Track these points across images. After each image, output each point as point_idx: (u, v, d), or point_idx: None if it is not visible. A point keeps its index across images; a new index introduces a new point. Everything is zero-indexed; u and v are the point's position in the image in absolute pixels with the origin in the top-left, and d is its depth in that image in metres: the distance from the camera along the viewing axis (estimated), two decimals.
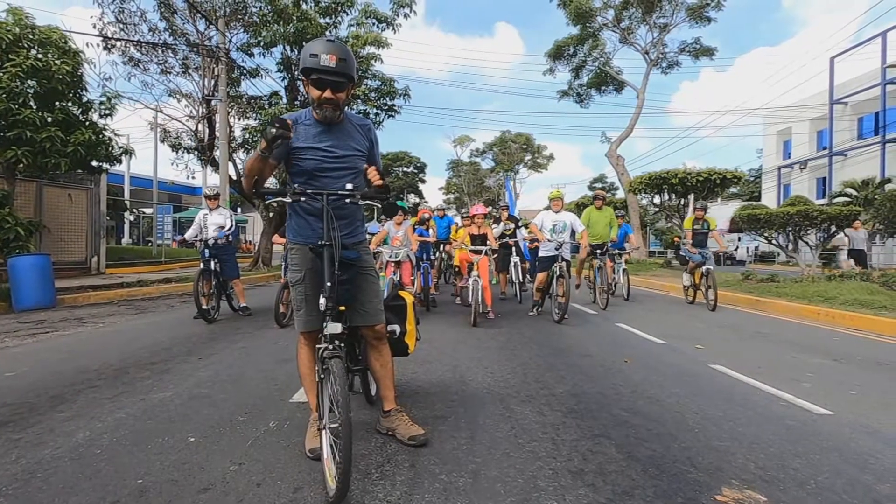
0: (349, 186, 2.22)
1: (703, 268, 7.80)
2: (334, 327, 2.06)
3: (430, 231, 8.48)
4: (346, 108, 2.40)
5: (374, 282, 2.46)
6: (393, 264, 6.63)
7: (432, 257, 8.18)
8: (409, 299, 2.87)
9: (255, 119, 14.76)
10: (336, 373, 1.91)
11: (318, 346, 2.12)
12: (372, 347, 2.51)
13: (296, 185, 2.23)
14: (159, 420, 2.75)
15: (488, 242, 6.60)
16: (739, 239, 27.00)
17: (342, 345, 2.12)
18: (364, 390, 3.00)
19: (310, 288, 2.28)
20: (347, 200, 2.22)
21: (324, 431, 2.03)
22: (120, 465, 2.18)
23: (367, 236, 2.85)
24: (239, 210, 25.94)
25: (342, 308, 2.24)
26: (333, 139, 2.29)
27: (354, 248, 2.36)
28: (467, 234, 6.73)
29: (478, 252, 6.46)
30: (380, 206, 2.41)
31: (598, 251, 7.80)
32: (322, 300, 2.06)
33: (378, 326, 2.46)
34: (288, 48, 13.65)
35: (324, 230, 2.12)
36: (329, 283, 2.07)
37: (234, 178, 14.34)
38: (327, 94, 2.16)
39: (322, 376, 2.05)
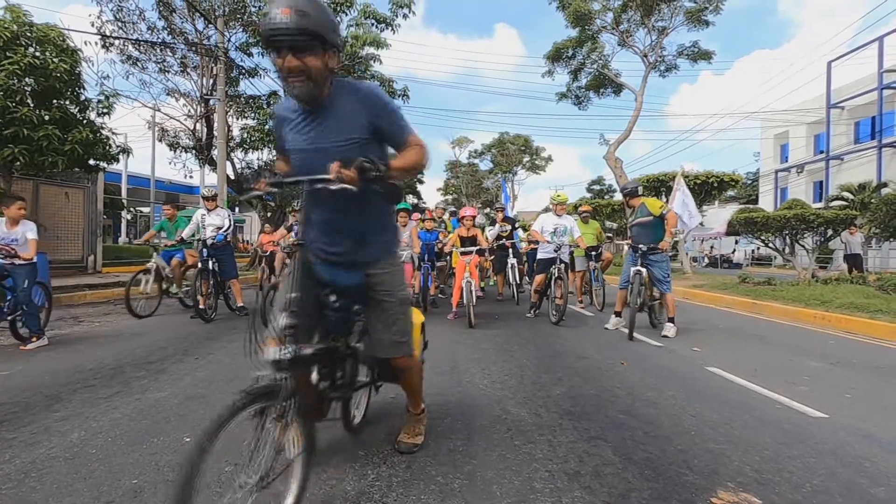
0: (334, 182, 1.63)
1: (633, 269, 5.49)
2: (273, 352, 1.61)
3: (449, 237, 8.36)
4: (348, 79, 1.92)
5: (389, 308, 1.98)
6: None
7: (443, 262, 8.14)
8: (419, 320, 2.45)
9: (254, 119, 14.75)
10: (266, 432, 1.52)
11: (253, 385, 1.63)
12: (396, 371, 2.21)
13: (279, 175, 1.91)
14: (155, 420, 2.74)
15: (478, 243, 6.69)
16: (737, 242, 27.09)
17: (287, 379, 1.62)
18: (343, 417, 2.29)
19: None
20: (332, 188, 1.64)
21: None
22: (115, 466, 2.17)
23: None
24: (237, 209, 25.88)
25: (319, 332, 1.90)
26: (315, 129, 1.82)
27: (361, 267, 1.94)
28: (457, 237, 6.80)
29: (468, 254, 6.50)
30: (381, 191, 1.83)
31: (594, 252, 7.91)
32: (283, 318, 1.61)
33: (393, 360, 2.08)
34: None
35: (300, 229, 1.84)
36: (294, 295, 1.65)
37: (232, 177, 14.32)
38: (289, 60, 1.63)
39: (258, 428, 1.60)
